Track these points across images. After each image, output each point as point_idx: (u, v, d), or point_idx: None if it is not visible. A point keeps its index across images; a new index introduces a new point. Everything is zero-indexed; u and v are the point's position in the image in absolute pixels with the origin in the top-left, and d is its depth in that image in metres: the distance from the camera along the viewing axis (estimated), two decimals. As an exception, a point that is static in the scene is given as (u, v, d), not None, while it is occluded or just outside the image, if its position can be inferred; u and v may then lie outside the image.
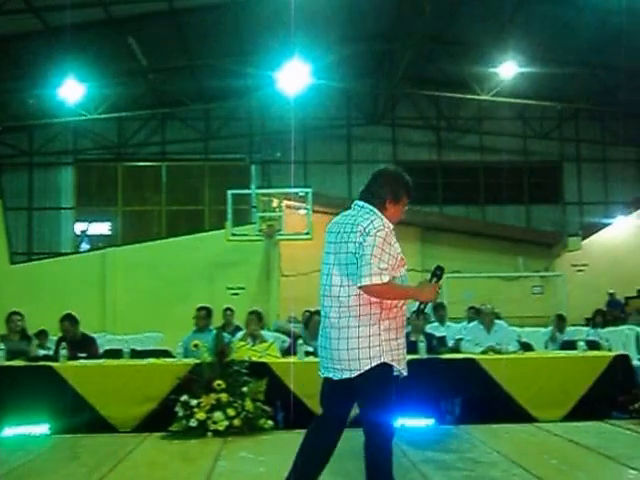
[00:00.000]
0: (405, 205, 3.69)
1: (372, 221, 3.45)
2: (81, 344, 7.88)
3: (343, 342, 3.41)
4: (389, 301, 3.40)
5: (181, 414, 6.42)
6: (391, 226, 3.53)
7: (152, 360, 7.41)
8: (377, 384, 3.40)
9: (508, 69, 16.01)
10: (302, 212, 17.30)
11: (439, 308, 10.78)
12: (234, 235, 16.21)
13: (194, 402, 6.40)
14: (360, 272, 3.31)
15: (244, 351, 7.04)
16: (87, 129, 18.81)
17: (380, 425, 3.47)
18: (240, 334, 8.35)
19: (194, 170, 19.73)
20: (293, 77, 15.28)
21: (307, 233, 16.04)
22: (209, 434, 6.27)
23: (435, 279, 3.57)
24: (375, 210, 3.56)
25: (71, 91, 15.14)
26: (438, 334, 8.78)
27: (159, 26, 14.91)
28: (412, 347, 7.44)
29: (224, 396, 6.38)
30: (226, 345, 6.73)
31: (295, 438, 6.21)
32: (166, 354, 8.07)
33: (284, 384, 6.83)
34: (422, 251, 19.53)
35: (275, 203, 16.56)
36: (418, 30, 14.32)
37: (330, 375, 3.54)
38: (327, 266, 3.56)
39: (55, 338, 8.47)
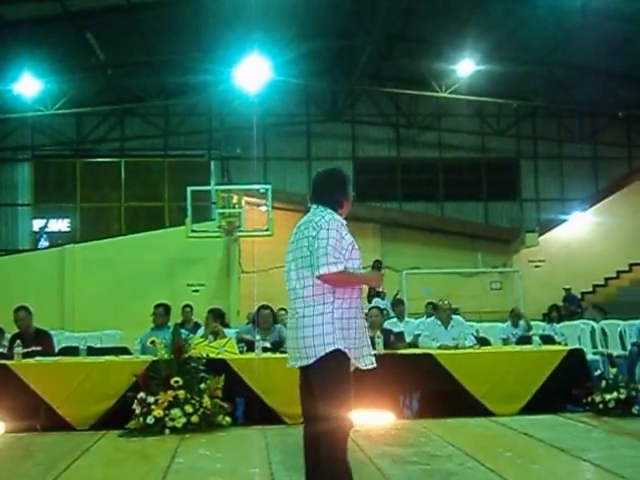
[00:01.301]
0: (352, 195, 3.91)
1: (323, 216, 3.62)
2: (35, 339, 7.79)
3: (300, 331, 3.55)
4: (341, 292, 3.54)
5: (138, 411, 6.40)
6: (344, 221, 3.71)
7: (109, 357, 7.37)
8: (332, 371, 3.49)
9: (466, 67, 16.17)
10: (262, 209, 17.27)
11: (398, 304, 10.89)
12: (194, 232, 16.11)
13: (151, 399, 6.38)
14: (317, 262, 3.48)
15: (202, 347, 7.04)
16: (45, 125, 18.53)
17: (336, 415, 3.51)
18: (200, 331, 8.33)
19: (153, 166, 19.57)
20: (252, 73, 15.25)
21: (267, 229, 16.01)
22: (167, 431, 6.26)
23: (376, 270, 3.87)
24: (329, 211, 3.70)
25: (28, 86, 14.89)
26: (396, 330, 8.87)
27: (117, 21, 14.75)
28: (371, 343, 7.54)
29: (182, 393, 6.37)
30: (183, 342, 6.71)
31: (252, 434, 6.30)
32: (124, 351, 8.02)
33: (242, 380, 6.85)
34: (382, 247, 19.67)
35: (235, 199, 16.49)
36: (376, 27, 14.39)
37: (293, 363, 3.69)
38: (288, 264, 3.73)
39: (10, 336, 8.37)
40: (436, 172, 20.30)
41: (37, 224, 19.71)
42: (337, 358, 3.48)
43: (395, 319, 10.34)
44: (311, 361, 3.50)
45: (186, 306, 10.48)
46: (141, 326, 9.48)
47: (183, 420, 6.27)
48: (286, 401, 6.86)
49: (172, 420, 6.28)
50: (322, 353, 3.47)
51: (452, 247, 19.57)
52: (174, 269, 17.06)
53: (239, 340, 7.86)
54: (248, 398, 7.06)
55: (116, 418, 6.67)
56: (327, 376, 3.49)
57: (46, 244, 19.55)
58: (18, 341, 7.22)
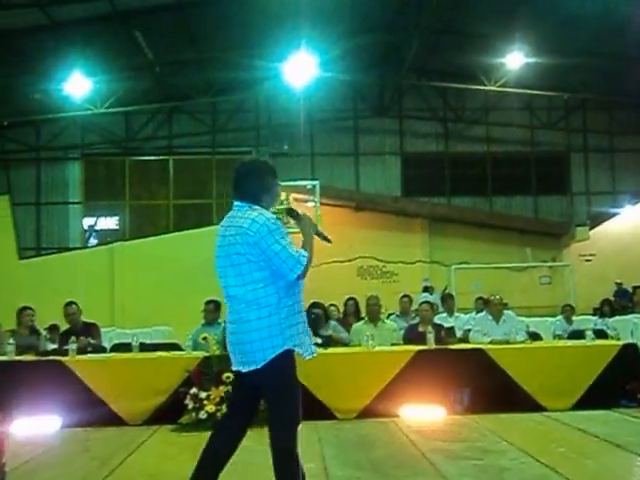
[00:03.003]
0: (276, 185, 3.73)
1: (254, 219, 3.49)
2: (84, 332, 7.97)
3: (247, 336, 3.46)
4: (284, 291, 3.47)
5: (191, 407, 6.46)
6: (277, 221, 3.57)
7: (161, 353, 7.45)
8: (283, 373, 3.45)
9: (515, 59, 15.92)
10: (310, 205, 17.29)
11: (448, 299, 10.81)
12: (241, 228, 16.19)
13: (203, 395, 6.45)
14: (287, 266, 3.41)
15: (253, 343, 7.05)
16: (94, 124, 18.82)
17: (285, 417, 3.48)
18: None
19: (201, 164, 19.72)
20: (300, 69, 15.24)
21: (315, 226, 16.02)
22: (219, 426, 6.30)
23: (294, 217, 3.73)
24: (251, 206, 3.58)
25: (77, 86, 15.13)
26: (446, 325, 8.80)
27: (166, 19, 14.87)
28: (421, 338, 7.49)
29: (233, 388, 6.40)
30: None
31: (304, 429, 6.25)
32: (175, 347, 8.12)
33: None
34: (430, 243, 19.56)
35: (283, 196, 16.53)
36: (424, 21, 14.26)
37: (239, 368, 3.57)
38: (221, 269, 3.65)
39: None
40: (484, 166, 20.04)
41: (87, 222, 20.05)
42: (286, 358, 3.43)
43: (444, 314, 10.27)
44: (260, 365, 3.42)
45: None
46: (190, 322, 9.56)
47: (235, 415, 6.30)
48: (337, 396, 6.89)
49: (224, 415, 6.32)
50: (272, 356, 3.40)
51: (501, 242, 19.32)
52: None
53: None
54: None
55: (168, 413, 6.75)
56: (278, 378, 3.44)
57: (95, 242, 19.87)
58: (73, 338, 7.35)
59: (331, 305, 9.16)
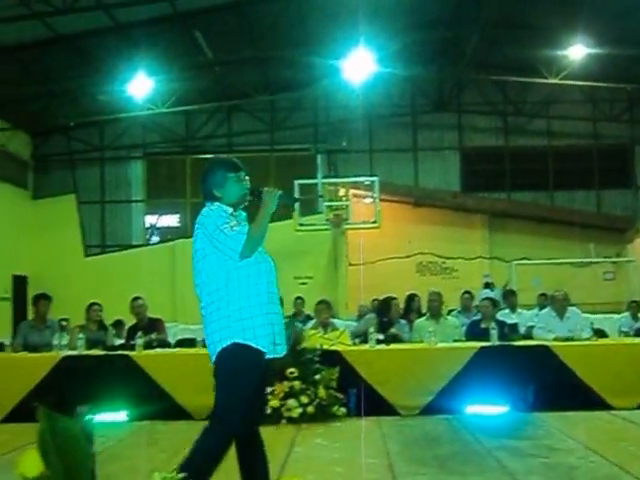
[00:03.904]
0: (239, 179, 3.62)
1: (203, 214, 3.50)
2: (150, 327, 8.17)
3: (205, 330, 3.46)
4: (236, 284, 3.38)
5: (255, 401, 6.53)
6: (228, 209, 3.54)
7: (225, 348, 7.55)
8: (227, 366, 3.35)
9: (577, 51, 15.56)
10: (367, 200, 17.29)
11: (509, 295, 10.68)
12: (302, 225, 16.30)
13: (268, 390, 6.50)
14: (230, 249, 3.36)
15: (316, 339, 7.12)
16: (156, 123, 19.16)
17: (220, 412, 3.36)
18: (311, 323, 8.43)
19: (260, 161, 19.84)
20: (358, 66, 15.20)
21: (374, 222, 16.02)
22: (283, 421, 6.38)
23: (257, 197, 3.59)
24: (212, 203, 3.56)
25: (140, 86, 15.40)
26: (509, 321, 8.70)
27: (225, 19, 15.04)
28: (484, 334, 7.43)
29: (297, 384, 6.47)
30: (299, 333, 6.81)
31: (367, 425, 6.32)
32: (238, 343, 8.21)
33: (356, 372, 6.88)
34: (490, 238, 19.32)
35: (342, 192, 16.58)
36: (483, 15, 14.08)
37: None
38: (193, 270, 3.59)
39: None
40: (546, 160, 19.66)
41: (149, 220, 20.44)
42: (234, 352, 3.32)
43: (507, 310, 10.14)
44: (214, 358, 3.40)
45: (298, 298, 10.64)
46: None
47: (299, 410, 6.38)
48: (401, 392, 6.89)
49: (288, 410, 6.40)
50: (219, 348, 3.35)
51: (562, 237, 18.94)
52: (281, 262, 16.96)
53: (357, 335, 7.89)
54: (361, 389, 7.08)
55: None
56: (220, 372, 3.37)
57: (156, 239, 20.24)
58: (140, 333, 7.53)
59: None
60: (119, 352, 7.49)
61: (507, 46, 16.70)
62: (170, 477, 1.34)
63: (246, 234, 3.39)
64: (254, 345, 3.32)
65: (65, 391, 6.81)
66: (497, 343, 7.12)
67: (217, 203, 3.54)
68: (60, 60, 15.06)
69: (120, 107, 17.11)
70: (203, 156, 19.87)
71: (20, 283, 17.67)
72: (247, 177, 3.66)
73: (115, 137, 19.33)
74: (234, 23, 15.12)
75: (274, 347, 3.42)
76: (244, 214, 3.68)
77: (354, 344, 7.48)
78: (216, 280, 3.40)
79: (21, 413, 7.08)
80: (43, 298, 8.47)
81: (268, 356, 3.40)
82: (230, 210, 3.54)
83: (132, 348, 7.45)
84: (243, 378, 3.33)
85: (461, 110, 19.69)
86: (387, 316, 8.34)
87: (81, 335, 7.65)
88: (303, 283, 16.76)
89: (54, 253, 18.17)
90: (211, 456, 3.34)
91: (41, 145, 19.22)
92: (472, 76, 18.37)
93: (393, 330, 8.04)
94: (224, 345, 3.33)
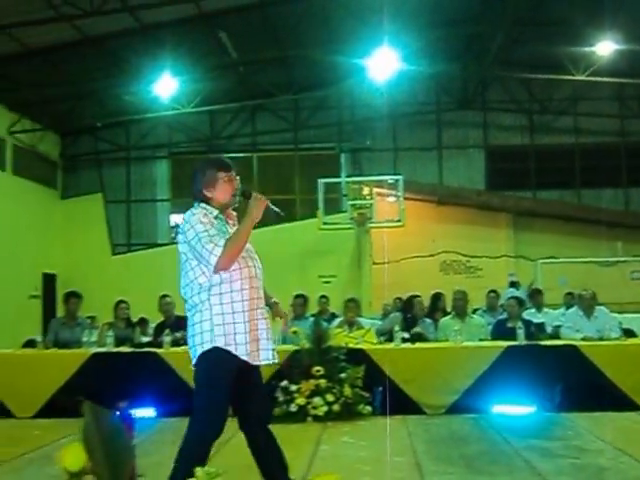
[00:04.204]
0: (229, 180, 3.58)
1: (185, 218, 3.48)
2: (177, 325, 8.23)
3: (188, 333, 3.46)
4: (217, 288, 3.35)
5: (281, 399, 6.58)
6: (214, 211, 3.52)
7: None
8: (206, 370, 3.33)
9: (604, 47, 15.37)
10: (390, 199, 17.29)
11: (536, 294, 10.62)
12: (326, 224, 16.34)
13: (294, 388, 6.55)
14: (205, 259, 3.31)
15: (341, 338, 7.14)
16: (180, 123, 19.28)
17: (200, 414, 3.34)
18: (337, 321, 8.46)
19: (284, 160, 19.91)
20: (382, 64, 15.18)
21: (398, 220, 16.02)
22: (309, 419, 6.42)
23: (247, 198, 3.51)
24: (197, 205, 3.55)
25: (165, 86, 15.51)
26: (536, 320, 8.66)
27: (249, 18, 15.11)
28: (510, 333, 7.40)
29: (323, 382, 6.50)
30: (324, 332, 6.83)
31: (393, 423, 6.32)
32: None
33: (381, 370, 6.89)
34: (515, 237, 19.19)
35: (366, 191, 16.58)
36: (508, 11, 13.99)
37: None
38: (180, 272, 3.60)
39: (154, 325, 8.85)
40: (572, 158, 19.47)
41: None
42: (215, 356, 3.30)
43: (533, 310, 10.08)
44: (194, 361, 3.40)
45: (322, 297, 10.63)
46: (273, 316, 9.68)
47: (325, 408, 6.41)
48: (426, 391, 6.89)
49: (314, 408, 6.43)
50: (200, 352, 3.33)
51: (589, 236, 18.77)
52: (305, 261, 17.36)
53: (382, 333, 7.90)
54: (387, 388, 7.08)
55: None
56: (199, 375, 3.36)
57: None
58: (167, 330, 7.60)
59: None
60: (147, 349, 7.56)
61: (533, 42, 16.59)
62: (214, 473, 1.37)
63: (223, 247, 3.30)
64: (233, 351, 3.31)
65: (94, 387, 6.90)
66: (524, 342, 7.09)
67: (203, 205, 3.51)
68: (87, 62, 15.23)
69: (146, 107, 17.26)
70: (227, 155, 19.95)
71: (49, 281, 17.92)
72: (238, 177, 3.62)
73: (141, 137, 19.48)
74: (258, 23, 15.18)
75: (258, 353, 3.39)
76: (234, 214, 3.68)
77: (379, 342, 7.49)
78: (199, 284, 3.38)
79: (52, 409, 7.21)
80: (74, 296, 8.58)
81: (253, 362, 3.37)
82: (216, 212, 3.51)
83: (160, 345, 7.53)
84: (219, 382, 3.30)
85: (486, 108, 19.58)
86: (411, 314, 8.34)
87: (110, 332, 7.74)
88: (327, 282, 16.78)
89: (82, 252, 18.40)
90: (192, 458, 3.20)
91: (69, 145, 19.44)
92: (497, 73, 18.25)
93: (418, 329, 8.04)
94: (205, 349, 3.32)
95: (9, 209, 16.38)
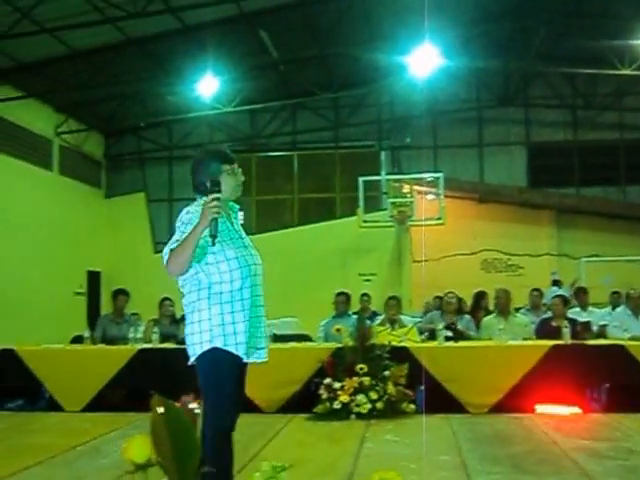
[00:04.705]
0: (232, 173, 3.44)
1: (179, 216, 3.36)
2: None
3: (185, 330, 3.40)
4: (218, 287, 3.30)
5: (325, 397, 6.61)
6: (196, 209, 3.37)
7: (294, 344, 7.66)
8: (208, 370, 3.28)
9: (651, 40, 15.12)
10: (429, 197, 17.22)
11: (580, 293, 10.50)
12: (366, 222, 16.35)
13: (337, 385, 6.57)
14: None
15: (384, 335, 7.14)
16: (221, 122, 19.44)
17: (210, 413, 3.25)
18: (378, 319, 8.46)
19: (324, 158, 19.96)
20: (422, 61, 15.09)
21: (439, 218, 15.95)
22: (352, 417, 6.44)
23: (212, 193, 3.13)
24: (200, 198, 3.39)
25: (207, 86, 15.66)
26: (581, 319, 8.54)
27: (289, 18, 15.17)
28: (555, 332, 7.33)
29: (366, 380, 6.52)
30: (368, 329, 6.85)
31: (437, 422, 6.32)
32: (306, 338, 8.33)
33: (424, 368, 6.87)
34: (557, 235, 18.95)
35: (406, 189, 16.54)
36: (551, 6, 13.83)
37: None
38: None
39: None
40: (617, 154, 19.14)
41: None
42: (213, 356, 3.25)
43: (577, 308, 9.96)
44: (192, 360, 3.35)
45: (364, 295, 10.66)
46: (314, 314, 9.74)
47: (368, 406, 6.42)
48: (469, 390, 6.86)
49: (358, 406, 6.45)
50: (200, 352, 3.28)
51: (635, 233, 18.43)
52: (346, 259, 17.37)
53: (421, 332, 7.89)
54: (429, 386, 7.07)
55: (301, 402, 6.93)
56: (203, 375, 3.30)
57: (220, 237, 20.53)
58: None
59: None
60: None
61: (576, 36, 16.34)
62: (280, 467, 1.40)
63: (167, 253, 3.17)
64: (234, 351, 3.28)
65: (140, 383, 7.03)
66: (570, 342, 7.01)
67: (193, 203, 3.41)
68: (131, 63, 15.44)
69: (188, 107, 17.46)
70: (268, 154, 20.11)
71: (94, 278, 18.25)
72: (240, 169, 3.52)
73: (183, 136, 19.69)
74: (298, 21, 15.24)
75: (256, 351, 3.38)
76: (237, 207, 3.58)
77: (422, 340, 7.48)
78: (199, 281, 3.34)
79: (99, 403, 7.36)
80: (122, 293, 8.75)
81: (251, 360, 3.37)
82: (197, 211, 3.39)
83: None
84: (224, 379, 3.27)
85: (528, 104, 19.34)
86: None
87: (155, 329, 7.86)
88: (367, 280, 16.78)
89: (125, 249, 18.71)
90: (218, 460, 3.16)
91: (113, 145, 19.76)
92: (539, 69, 18.05)
93: (460, 327, 8.00)
94: (204, 349, 3.29)
95: (55, 208, 16.73)
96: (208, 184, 3.17)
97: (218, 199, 3.09)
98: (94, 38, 14.10)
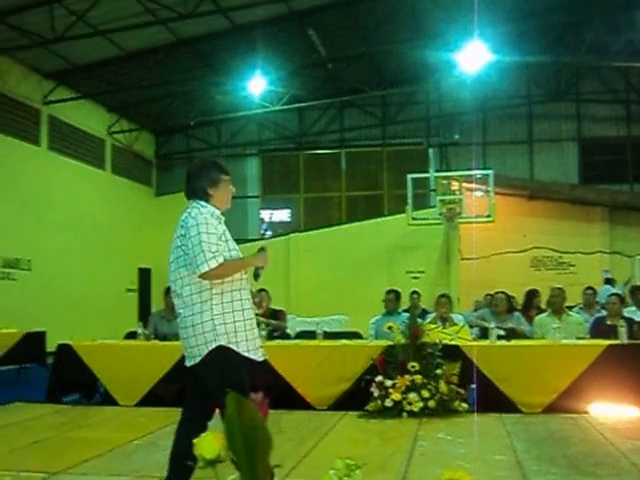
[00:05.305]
0: (229, 183, 3.71)
1: (190, 212, 3.53)
2: (272, 317, 8.49)
3: (184, 332, 3.50)
4: (219, 287, 3.44)
5: (377, 394, 6.61)
6: (216, 212, 3.60)
7: (345, 341, 7.67)
8: (216, 368, 3.41)
9: None
10: (477, 194, 17.07)
11: (636, 291, 10.23)
12: (414, 219, 16.28)
13: (389, 383, 6.57)
14: (195, 261, 3.39)
15: (436, 333, 7.09)
16: (270, 120, 19.60)
17: (220, 412, 3.29)
18: (429, 317, 8.43)
19: (372, 156, 19.95)
20: (471, 57, 14.96)
21: (488, 215, 15.79)
22: (404, 414, 6.42)
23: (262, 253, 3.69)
24: (199, 202, 3.61)
25: (256, 85, 15.79)
26: (637, 319, 8.37)
27: (337, 16, 15.22)
28: (610, 331, 7.19)
29: (418, 378, 6.49)
30: (419, 327, 6.83)
31: (490, 421, 6.27)
32: (356, 336, 8.33)
33: (476, 367, 6.82)
34: (610, 232, 18.62)
35: (455, 186, 16.41)
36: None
37: (187, 363, 3.59)
38: (169, 265, 3.63)
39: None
40: (672, 149, 18.76)
41: (264, 215, 20.91)
42: (220, 354, 3.38)
43: (633, 307, 9.75)
44: (197, 360, 3.44)
45: (414, 292, 10.62)
46: (362, 311, 9.75)
47: (420, 404, 6.40)
48: (523, 389, 6.78)
49: (410, 404, 6.43)
50: (205, 351, 3.40)
51: (691, 231, 18.04)
52: (393, 256, 17.33)
53: (471, 325, 7.85)
54: (481, 385, 7.01)
55: (352, 400, 6.94)
56: (212, 373, 3.42)
57: (269, 234, 20.69)
58: (262, 325, 7.75)
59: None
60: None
61: (629, 30, 16.00)
62: (354, 465, 1.42)
63: (219, 263, 3.39)
64: (235, 349, 3.43)
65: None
66: (626, 341, 6.88)
67: (203, 204, 3.60)
68: (180, 63, 15.67)
69: (236, 106, 17.64)
70: (316, 152, 20.16)
71: (145, 275, 18.58)
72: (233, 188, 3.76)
73: (231, 135, 19.90)
74: (347, 19, 15.26)
75: (255, 351, 3.53)
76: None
77: (474, 339, 7.43)
78: (197, 284, 3.46)
79: (153, 398, 7.48)
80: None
81: (252, 357, 3.50)
82: (218, 212, 3.62)
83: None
84: (231, 378, 3.36)
85: (579, 99, 19.03)
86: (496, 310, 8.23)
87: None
88: (415, 277, 16.72)
89: (175, 247, 18.96)
90: None
91: (164, 144, 20.08)
92: (592, 63, 17.72)
93: (511, 324, 7.91)
94: (210, 348, 3.42)
95: (108, 207, 17.07)
96: (260, 250, 3.66)
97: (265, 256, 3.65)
98: (145, 39, 14.36)
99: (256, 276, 3.61)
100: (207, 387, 3.50)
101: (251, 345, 3.51)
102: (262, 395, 1.65)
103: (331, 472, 1.40)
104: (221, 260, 3.39)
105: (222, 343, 3.41)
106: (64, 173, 15.80)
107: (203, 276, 3.38)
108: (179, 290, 3.53)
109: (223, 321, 3.44)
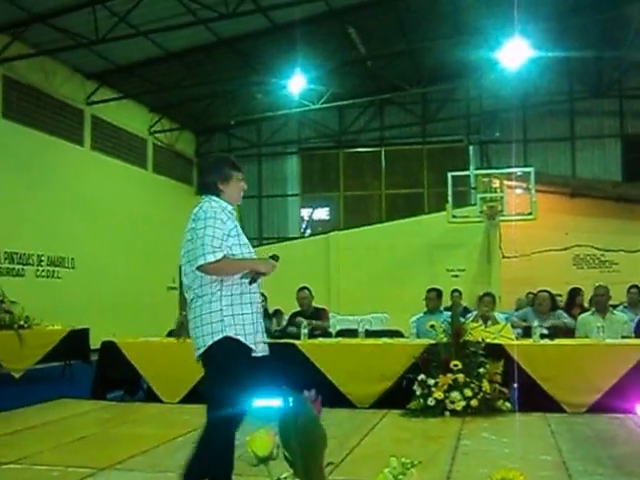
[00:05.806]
0: (240, 180, 3.74)
1: (201, 206, 3.56)
2: (314, 316, 8.52)
3: (192, 322, 3.52)
4: (229, 279, 3.45)
5: (419, 393, 6.60)
6: (228, 207, 3.63)
7: (386, 340, 7.68)
8: (221, 358, 3.41)
9: None
10: (518, 191, 16.89)
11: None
12: (455, 217, 16.18)
13: (432, 382, 6.56)
14: (195, 253, 3.43)
15: (478, 332, 7.05)
16: (310, 119, 19.66)
17: (222, 401, 3.36)
18: (470, 315, 8.38)
19: (412, 154, 19.88)
20: (512, 54, 14.80)
21: (530, 213, 15.62)
22: (447, 413, 6.40)
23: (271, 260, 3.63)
24: (210, 197, 3.64)
25: (296, 84, 15.85)
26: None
27: (377, 13, 15.18)
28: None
29: (461, 376, 6.47)
30: (461, 326, 6.80)
31: (534, 421, 6.23)
32: (397, 334, 8.33)
33: (519, 366, 6.77)
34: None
35: (496, 184, 16.27)
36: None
37: (195, 354, 3.57)
38: (181, 258, 3.66)
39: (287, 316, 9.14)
40: None
41: (304, 213, 20.99)
42: (226, 345, 3.40)
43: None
44: (202, 351, 3.44)
45: (455, 291, 10.60)
46: (402, 310, 9.73)
47: (463, 403, 6.38)
48: (567, 389, 6.72)
49: (452, 403, 6.41)
50: (210, 342, 3.40)
51: None
52: (433, 254, 17.25)
53: (513, 325, 7.79)
54: (524, 384, 6.95)
55: (394, 398, 6.94)
56: (216, 363, 3.43)
57: (308, 232, 20.76)
58: (305, 322, 7.80)
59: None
60: (285, 340, 7.78)
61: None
62: (409, 463, 1.44)
63: (219, 258, 3.40)
64: (243, 340, 3.45)
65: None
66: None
67: (214, 198, 3.64)
68: (221, 62, 15.81)
69: (276, 105, 17.73)
70: (355, 150, 20.17)
71: (185, 273, 18.73)
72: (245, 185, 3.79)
73: (272, 134, 20.00)
74: (386, 17, 15.21)
75: (260, 345, 3.55)
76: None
77: (517, 338, 7.38)
78: (209, 276, 3.49)
79: (195, 396, 7.55)
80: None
81: (258, 352, 3.51)
82: (230, 207, 3.66)
83: (294, 334, 7.77)
84: (236, 370, 3.41)
85: (622, 95, 18.71)
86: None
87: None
88: (455, 276, 16.63)
89: (216, 245, 19.12)
90: (222, 449, 3.42)
91: (204, 143, 20.27)
92: (635, 58, 17.39)
93: (553, 321, 7.84)
94: (216, 339, 3.44)
95: (149, 206, 17.30)
96: (272, 257, 3.63)
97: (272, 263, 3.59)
98: (186, 39, 14.51)
99: (252, 280, 3.53)
100: (209, 376, 3.55)
101: (258, 338, 3.54)
102: (314, 393, 1.68)
103: (386, 470, 1.41)
104: (220, 256, 3.41)
105: (230, 334, 3.44)
106: (106, 172, 16.05)
107: (200, 269, 3.42)
108: (190, 283, 3.58)
109: (231, 312, 3.47)
